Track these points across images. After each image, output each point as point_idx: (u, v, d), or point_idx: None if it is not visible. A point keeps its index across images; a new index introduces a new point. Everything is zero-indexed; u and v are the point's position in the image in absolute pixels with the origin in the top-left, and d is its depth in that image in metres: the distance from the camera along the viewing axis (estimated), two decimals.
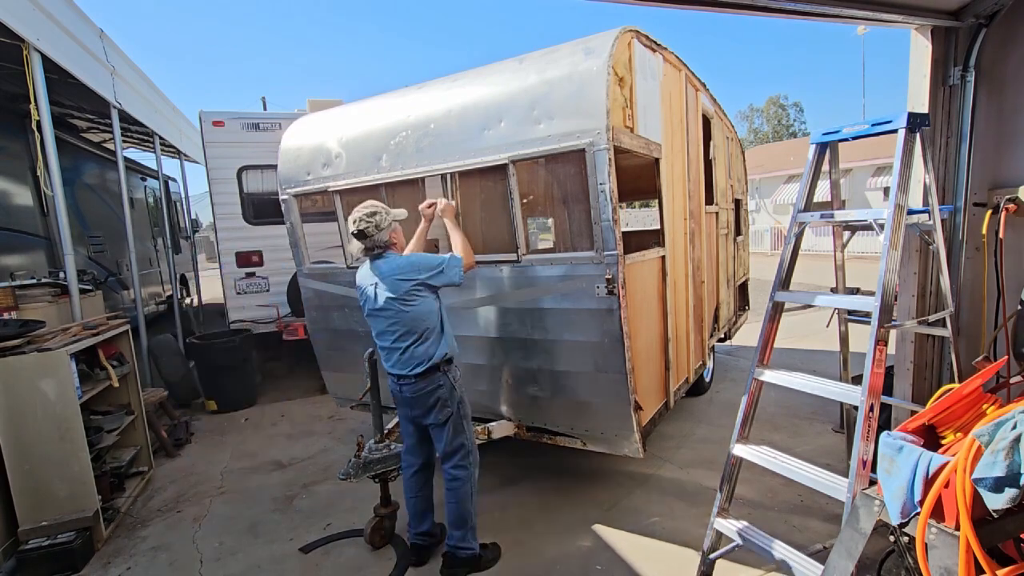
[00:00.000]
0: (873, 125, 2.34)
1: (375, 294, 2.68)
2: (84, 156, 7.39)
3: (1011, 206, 2.51)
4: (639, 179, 4.02)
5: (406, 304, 2.62)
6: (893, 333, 2.67)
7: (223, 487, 3.95)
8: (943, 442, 1.72)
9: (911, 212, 2.56)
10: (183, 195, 10.91)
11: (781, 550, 2.25)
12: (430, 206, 3.06)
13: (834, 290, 3.16)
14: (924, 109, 2.78)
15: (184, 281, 10.69)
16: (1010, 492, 1.27)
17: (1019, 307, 2.31)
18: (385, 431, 3.23)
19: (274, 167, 4.35)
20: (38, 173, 5.12)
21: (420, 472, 2.90)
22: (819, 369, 4.51)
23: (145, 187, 9.67)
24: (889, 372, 2.89)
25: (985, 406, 1.70)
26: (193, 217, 11.33)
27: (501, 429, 3.37)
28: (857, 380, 2.29)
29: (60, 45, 4.21)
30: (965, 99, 2.71)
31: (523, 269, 3.05)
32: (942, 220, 2.61)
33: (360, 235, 2.64)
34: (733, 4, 2.43)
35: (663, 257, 3.40)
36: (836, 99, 73.53)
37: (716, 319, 4.94)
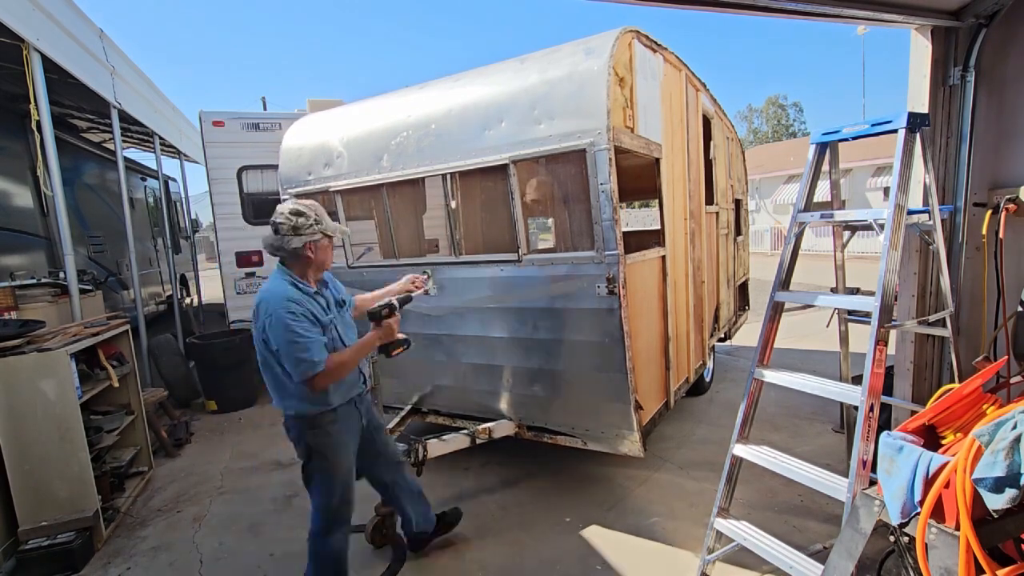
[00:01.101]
0: (873, 125, 2.34)
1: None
2: (84, 156, 7.39)
3: (1011, 206, 2.51)
4: (639, 179, 4.03)
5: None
6: (893, 333, 2.68)
7: (223, 487, 3.95)
8: (943, 442, 1.72)
9: (911, 212, 2.56)
10: (183, 195, 10.91)
11: (781, 550, 2.26)
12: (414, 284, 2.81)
13: (834, 290, 3.17)
14: (924, 109, 2.78)
15: (184, 281, 10.68)
16: (1010, 492, 1.28)
17: (1019, 307, 2.31)
18: (385, 431, 3.22)
19: (274, 167, 4.36)
20: (38, 173, 5.13)
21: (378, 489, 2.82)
22: (819, 369, 4.50)
23: (145, 187, 9.67)
24: (889, 372, 2.89)
25: (985, 406, 1.70)
26: (193, 217, 11.32)
27: (501, 429, 3.37)
28: (857, 380, 2.29)
29: (60, 45, 4.20)
30: (965, 99, 2.71)
31: (524, 269, 3.05)
32: (942, 220, 2.61)
33: (273, 228, 2.26)
34: (733, 4, 2.43)
35: (663, 257, 3.41)
36: (836, 99, 73.63)
37: (716, 319, 4.94)
